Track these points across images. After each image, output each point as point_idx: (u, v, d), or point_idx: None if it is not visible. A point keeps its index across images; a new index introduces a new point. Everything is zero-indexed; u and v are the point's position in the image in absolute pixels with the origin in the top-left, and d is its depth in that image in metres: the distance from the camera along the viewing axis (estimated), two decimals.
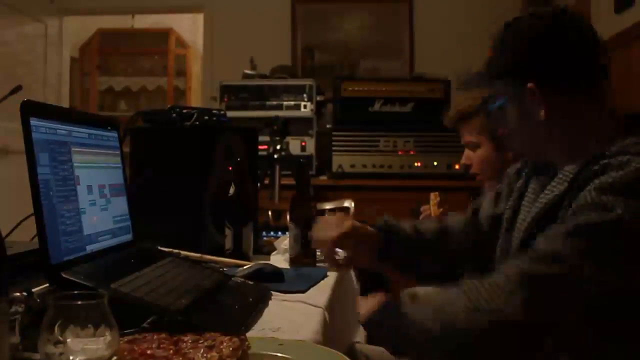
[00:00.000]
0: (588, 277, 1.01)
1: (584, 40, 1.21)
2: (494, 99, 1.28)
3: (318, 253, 1.66)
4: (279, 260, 1.72)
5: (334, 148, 3.89)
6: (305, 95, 4.03)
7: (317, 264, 1.67)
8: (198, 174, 1.73)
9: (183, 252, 1.51)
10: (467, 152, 2.22)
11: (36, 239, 1.00)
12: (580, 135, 1.20)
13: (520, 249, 1.20)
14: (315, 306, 1.22)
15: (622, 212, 1.00)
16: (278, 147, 3.44)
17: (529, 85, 1.18)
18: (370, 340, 1.75)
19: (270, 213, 3.14)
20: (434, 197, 2.35)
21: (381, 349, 1.71)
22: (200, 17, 5.13)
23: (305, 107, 4.02)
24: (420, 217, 2.34)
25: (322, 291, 1.38)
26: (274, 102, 4.04)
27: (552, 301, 1.02)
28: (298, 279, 1.46)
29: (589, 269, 1.00)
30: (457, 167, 3.85)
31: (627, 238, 1.02)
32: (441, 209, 2.29)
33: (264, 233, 2.27)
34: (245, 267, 1.44)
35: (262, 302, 1.21)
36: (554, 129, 1.21)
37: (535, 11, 1.26)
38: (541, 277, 1.01)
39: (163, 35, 6.05)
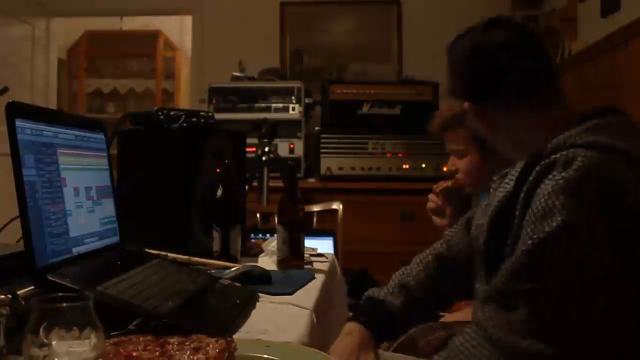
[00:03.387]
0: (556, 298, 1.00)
1: (514, 53, 1.21)
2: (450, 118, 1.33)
3: (306, 255, 1.67)
4: (267, 262, 1.72)
5: (322, 150, 3.89)
6: (293, 98, 4.04)
7: (305, 266, 1.67)
8: (186, 176, 1.73)
9: (170, 255, 1.51)
10: (452, 158, 2.16)
11: (21, 242, 0.99)
12: (530, 141, 1.21)
13: (481, 259, 1.23)
14: (302, 308, 1.22)
15: (564, 217, 0.99)
16: (266, 149, 3.43)
17: (465, 105, 1.22)
18: None
19: (258, 215, 3.14)
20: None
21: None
22: (188, 20, 5.11)
23: (293, 109, 4.02)
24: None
25: (309, 293, 1.38)
26: (263, 105, 4.04)
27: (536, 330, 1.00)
28: (286, 281, 1.46)
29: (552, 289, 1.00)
30: (445, 169, 3.86)
31: (573, 243, 1.00)
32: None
33: (252, 235, 2.27)
34: (232, 269, 1.44)
35: (249, 304, 1.21)
36: (504, 141, 1.24)
37: (468, 28, 1.26)
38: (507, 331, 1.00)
39: (151, 38, 6.03)
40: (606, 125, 1.12)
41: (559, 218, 0.99)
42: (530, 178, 1.08)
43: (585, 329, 1.00)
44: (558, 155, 1.05)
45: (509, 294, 1.02)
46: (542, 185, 1.04)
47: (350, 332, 1.30)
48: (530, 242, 1.01)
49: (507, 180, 1.20)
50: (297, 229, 1.64)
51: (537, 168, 1.08)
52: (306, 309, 1.22)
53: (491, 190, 1.42)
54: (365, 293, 1.40)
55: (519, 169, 1.16)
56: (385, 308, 1.36)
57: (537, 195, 1.04)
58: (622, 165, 1.04)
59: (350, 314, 1.59)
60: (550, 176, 1.04)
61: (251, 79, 4.25)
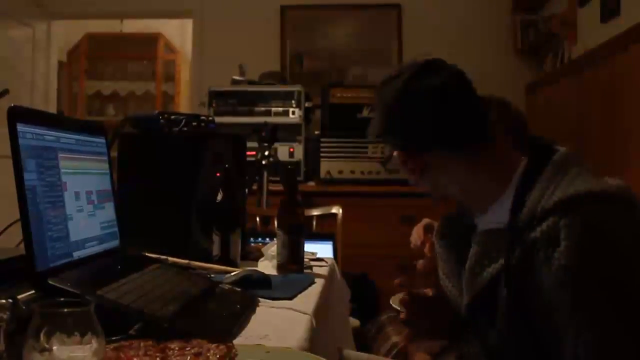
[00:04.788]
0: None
1: (448, 98, 1.18)
2: (385, 159, 1.32)
3: (305, 260, 1.66)
4: (267, 266, 1.72)
5: (322, 154, 3.89)
6: (293, 102, 4.04)
7: (305, 271, 1.67)
8: (186, 180, 1.73)
9: (170, 259, 1.51)
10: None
11: (22, 245, 0.99)
12: (472, 184, 1.20)
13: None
14: (302, 313, 1.22)
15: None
16: (266, 153, 3.43)
17: (394, 153, 1.23)
18: None
19: (258, 219, 3.14)
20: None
21: (369, 355, 1.71)
22: (189, 23, 5.12)
23: (293, 113, 4.02)
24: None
25: (309, 298, 1.38)
26: (263, 108, 4.04)
27: None
28: (285, 285, 1.46)
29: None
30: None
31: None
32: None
33: (251, 239, 2.26)
34: (232, 274, 1.44)
35: (249, 309, 1.21)
36: (438, 179, 1.23)
37: (399, 71, 1.23)
38: None
39: (152, 40, 6.04)
40: (558, 171, 1.11)
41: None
42: (514, 263, 1.07)
43: None
44: (538, 234, 1.05)
45: None
46: (538, 277, 1.04)
47: None
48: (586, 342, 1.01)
49: (476, 266, 1.16)
50: (296, 233, 1.64)
51: (517, 252, 1.07)
52: (306, 313, 1.22)
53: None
54: None
55: (484, 254, 1.14)
56: None
57: (536, 289, 1.04)
58: (600, 209, 1.04)
59: (352, 319, 1.58)
60: (540, 262, 1.04)
61: (251, 82, 4.25)
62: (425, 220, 2.01)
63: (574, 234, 1.01)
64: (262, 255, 1.89)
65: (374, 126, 1.26)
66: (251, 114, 4.01)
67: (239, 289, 1.32)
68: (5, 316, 0.85)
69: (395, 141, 1.23)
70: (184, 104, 5.89)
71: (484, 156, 1.19)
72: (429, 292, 1.34)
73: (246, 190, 2.14)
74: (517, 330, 1.09)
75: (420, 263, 1.88)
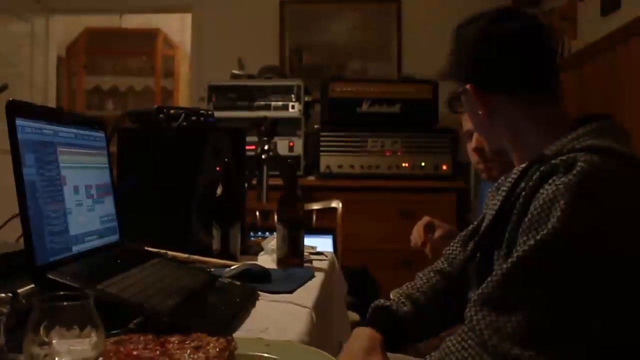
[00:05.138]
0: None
1: (524, 44, 1.21)
2: (451, 95, 1.31)
3: (305, 254, 1.67)
4: (267, 260, 1.72)
5: (321, 149, 3.89)
6: (293, 96, 4.03)
7: (304, 265, 1.67)
8: (185, 175, 1.73)
9: (170, 253, 1.51)
10: (476, 135, 1.87)
11: (22, 240, 0.99)
12: (526, 135, 1.21)
13: (474, 268, 1.22)
14: (302, 306, 1.23)
15: (562, 221, 0.97)
16: (266, 147, 3.43)
17: (467, 86, 1.22)
18: None
19: (257, 213, 3.14)
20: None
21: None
22: (188, 18, 5.11)
23: (293, 107, 4.02)
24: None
25: (309, 291, 1.38)
26: (262, 103, 4.04)
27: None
28: (285, 279, 1.46)
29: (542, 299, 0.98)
30: (444, 167, 3.87)
31: (570, 248, 0.98)
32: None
33: (251, 233, 2.27)
34: (232, 268, 1.44)
35: (249, 302, 1.21)
36: (497, 127, 1.24)
37: (481, 13, 1.26)
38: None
39: (151, 36, 6.03)
40: (603, 129, 1.12)
41: (557, 223, 0.97)
42: (530, 184, 1.07)
43: (581, 338, 0.99)
44: (558, 161, 1.04)
45: (505, 298, 1.01)
46: (541, 190, 1.03)
47: (359, 336, 1.28)
48: (527, 247, 0.99)
49: (501, 192, 1.19)
50: (296, 227, 1.64)
51: (537, 174, 1.07)
52: (306, 307, 1.23)
53: (486, 201, 1.41)
54: (371, 305, 1.39)
55: (514, 177, 1.15)
56: (392, 314, 1.34)
57: (535, 199, 1.03)
58: (622, 167, 1.04)
59: (352, 313, 1.59)
60: (550, 181, 1.03)
61: (251, 77, 4.24)
62: (426, 219, 2.01)
63: (591, 166, 1.00)
64: (261, 249, 1.89)
65: (451, 64, 1.28)
66: (251, 108, 4.01)
67: (238, 283, 1.32)
68: (5, 310, 0.85)
69: (469, 77, 1.24)
70: (183, 99, 5.88)
71: (547, 109, 1.20)
72: None
73: (246, 184, 2.13)
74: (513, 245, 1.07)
75: (427, 251, 1.89)
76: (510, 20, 1.22)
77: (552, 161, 1.06)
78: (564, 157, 1.04)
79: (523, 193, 1.08)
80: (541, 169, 1.07)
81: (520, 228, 1.04)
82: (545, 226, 0.99)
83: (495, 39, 1.22)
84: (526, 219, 1.03)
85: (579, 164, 1.01)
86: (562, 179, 1.01)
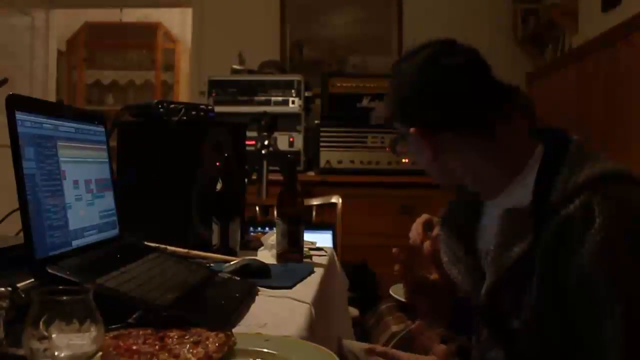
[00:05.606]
0: None
1: (466, 80, 1.17)
2: (393, 140, 1.28)
3: (305, 249, 1.67)
4: (266, 255, 1.72)
5: (321, 144, 3.88)
6: (293, 91, 4.02)
7: (304, 260, 1.67)
8: (185, 169, 1.73)
9: (169, 248, 1.51)
10: None
11: (21, 234, 0.99)
12: (483, 170, 1.18)
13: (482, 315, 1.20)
14: (301, 302, 1.23)
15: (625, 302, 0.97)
16: (266, 142, 3.42)
17: (411, 130, 1.19)
18: None
19: (257, 208, 3.14)
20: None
21: (369, 344, 1.71)
22: (188, 12, 5.10)
23: (293, 102, 4.01)
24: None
25: (309, 287, 1.38)
26: (262, 98, 4.03)
27: None
28: (285, 274, 1.46)
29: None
30: None
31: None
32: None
33: (251, 228, 2.27)
34: (232, 263, 1.44)
35: (248, 297, 1.21)
36: (449, 163, 1.20)
37: (420, 47, 1.22)
38: None
39: (151, 30, 6.02)
40: (581, 152, 1.10)
41: (620, 282, 0.98)
42: (548, 239, 1.04)
43: None
44: (571, 210, 1.03)
45: None
46: (575, 257, 1.01)
47: None
48: (619, 318, 0.98)
49: (509, 228, 1.13)
50: (296, 223, 1.64)
51: (550, 229, 1.04)
52: (305, 302, 1.23)
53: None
54: None
55: (507, 234, 1.12)
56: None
57: (573, 266, 1.02)
58: (632, 186, 1.04)
59: (352, 308, 1.58)
60: (576, 238, 1.01)
61: (251, 71, 4.24)
62: (425, 216, 2.00)
63: (609, 210, 1.00)
64: (261, 244, 1.89)
65: (389, 105, 1.25)
66: (251, 103, 4.00)
67: (238, 278, 1.32)
68: (4, 304, 0.85)
69: (412, 119, 1.21)
70: (183, 93, 5.88)
71: (499, 140, 1.17)
72: (434, 276, 1.34)
73: (246, 179, 2.13)
74: (547, 310, 1.07)
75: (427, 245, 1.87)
76: (449, 56, 1.18)
77: (562, 211, 1.04)
78: (577, 205, 1.02)
79: (540, 248, 1.06)
80: (556, 222, 1.04)
81: (573, 305, 1.03)
82: (617, 292, 0.99)
83: (436, 77, 1.17)
84: (576, 295, 1.02)
85: (596, 215, 1.00)
86: (597, 238, 0.99)
